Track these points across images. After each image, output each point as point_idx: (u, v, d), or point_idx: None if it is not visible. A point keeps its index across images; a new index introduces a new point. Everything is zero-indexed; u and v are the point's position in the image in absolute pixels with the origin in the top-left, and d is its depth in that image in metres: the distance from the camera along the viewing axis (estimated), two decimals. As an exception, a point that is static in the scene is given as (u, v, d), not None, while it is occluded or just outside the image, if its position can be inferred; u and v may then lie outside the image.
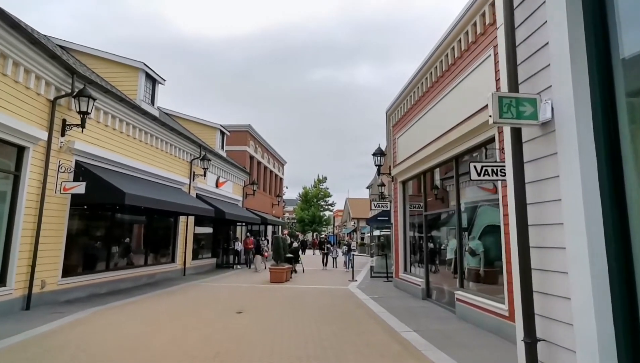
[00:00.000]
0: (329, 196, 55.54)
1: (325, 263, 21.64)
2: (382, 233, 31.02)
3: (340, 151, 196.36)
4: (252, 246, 20.53)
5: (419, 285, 10.48)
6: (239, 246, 21.25)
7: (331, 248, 22.86)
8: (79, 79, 9.65)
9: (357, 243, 45.65)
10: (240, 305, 9.50)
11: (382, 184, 21.72)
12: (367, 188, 64.79)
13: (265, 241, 26.09)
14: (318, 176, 57.02)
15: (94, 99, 9.63)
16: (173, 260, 15.51)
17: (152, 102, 13.63)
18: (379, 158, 13.17)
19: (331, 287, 13.25)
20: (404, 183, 12.56)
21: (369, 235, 51.06)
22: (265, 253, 20.39)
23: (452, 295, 9.13)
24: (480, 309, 7.10)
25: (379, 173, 13.38)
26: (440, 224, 10.50)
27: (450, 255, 9.47)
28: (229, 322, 7.48)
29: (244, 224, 23.74)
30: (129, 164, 11.78)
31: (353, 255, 17.84)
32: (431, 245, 10.88)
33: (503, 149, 6.10)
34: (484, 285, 7.79)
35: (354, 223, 66.26)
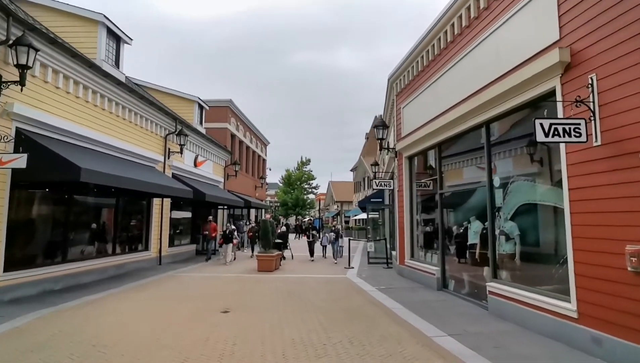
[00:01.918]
0: (313, 178, 53.87)
1: (312, 253, 17.18)
2: (370, 216, 29.50)
3: (322, 135, 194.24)
4: (215, 233, 16.23)
5: (433, 274, 9.12)
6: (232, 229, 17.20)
7: (317, 234, 18.69)
8: (17, 24, 7.65)
9: (341, 226, 44.42)
10: (225, 301, 7.93)
11: (376, 164, 20.33)
12: (351, 170, 63.60)
13: (251, 225, 23.79)
14: (302, 158, 54.97)
15: (36, 50, 7.65)
16: (146, 248, 13.72)
17: (117, 64, 11.58)
18: (381, 130, 11.60)
19: (328, 276, 11.80)
20: (410, 158, 11.08)
21: (354, 217, 50.18)
22: (235, 240, 16.01)
23: (477, 286, 7.83)
24: (528, 306, 5.74)
25: (380, 147, 11.86)
26: (458, 204, 9.11)
27: (473, 239, 8.11)
28: (214, 328, 5.90)
29: (225, 207, 21.96)
30: (87, 135, 9.84)
31: (350, 240, 15.87)
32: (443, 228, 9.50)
33: (576, 102, 4.64)
34: (524, 275, 6.45)
35: (337, 206, 65.18)
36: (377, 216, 25.96)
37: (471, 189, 8.68)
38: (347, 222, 52.41)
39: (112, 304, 7.66)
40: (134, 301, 7.94)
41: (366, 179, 48.86)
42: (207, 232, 16.24)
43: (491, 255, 6.98)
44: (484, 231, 7.66)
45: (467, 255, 8.33)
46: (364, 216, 40.51)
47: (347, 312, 6.96)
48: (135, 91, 11.95)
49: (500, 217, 6.92)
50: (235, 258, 15.68)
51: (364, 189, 50.00)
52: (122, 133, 11.62)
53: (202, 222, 17.91)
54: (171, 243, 15.69)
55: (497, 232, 7.01)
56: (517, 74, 5.93)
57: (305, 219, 43.32)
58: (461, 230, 8.73)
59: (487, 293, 6.85)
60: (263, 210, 32.50)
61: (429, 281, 9.29)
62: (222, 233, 15.88)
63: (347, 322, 6.24)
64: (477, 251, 7.81)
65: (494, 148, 7.23)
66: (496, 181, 7.01)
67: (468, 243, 8.25)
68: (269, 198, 58.16)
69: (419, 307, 7.25)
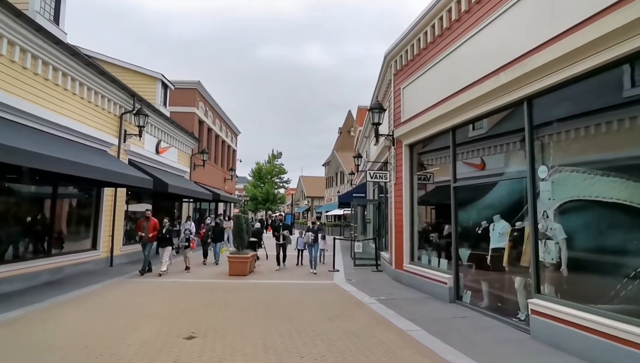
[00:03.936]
0: (284, 172, 51.77)
1: (282, 259, 12.68)
2: (345, 212, 27.69)
3: (292, 130, 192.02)
4: (154, 232, 11.14)
5: (445, 283, 7.67)
6: (192, 227, 14.40)
7: (290, 234, 13.50)
8: None
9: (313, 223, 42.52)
10: (191, 319, 6.13)
11: (359, 156, 18.91)
12: (323, 165, 62.21)
13: (207, 222, 18.22)
14: (273, 151, 52.70)
15: None
16: (94, 247, 11.54)
17: (56, 20, 9.36)
18: (377, 114, 10.04)
19: (313, 282, 10.14)
20: (412, 146, 9.59)
21: (326, 214, 48.66)
22: (192, 242, 12.31)
23: (503, 300, 6.52)
24: (604, 337, 4.33)
25: (376, 133, 10.30)
26: (472, 200, 7.69)
27: (497, 242, 6.72)
28: (174, 371, 4.12)
29: (191, 200, 19.82)
30: (10, 104, 7.65)
31: (335, 239, 13.54)
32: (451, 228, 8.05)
33: None
34: (583, 291, 5.07)
35: (308, 201, 63.60)
36: (351, 212, 24.38)
37: (492, 182, 7.31)
38: (318, 218, 50.84)
39: (37, 325, 5.66)
40: (68, 322, 5.96)
41: (339, 174, 47.53)
42: (143, 233, 11.05)
43: (533, 264, 5.57)
44: (515, 234, 6.30)
45: (489, 261, 6.93)
46: (338, 212, 39.12)
47: (353, 338, 5.34)
48: (81, 55, 9.73)
49: (547, 217, 5.52)
50: (163, 268, 10.81)
51: (337, 184, 48.66)
52: (62, 107, 9.41)
53: (165, 216, 12.48)
54: (126, 241, 13.51)
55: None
56: (589, 30, 4.50)
57: (274, 215, 38.78)
58: (479, 231, 7.34)
59: (530, 312, 5.45)
60: (232, 204, 30.32)
61: (438, 290, 7.84)
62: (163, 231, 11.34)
63: (359, 356, 4.62)
64: (506, 256, 6.42)
65: (538, 129, 5.82)
66: (542, 172, 5.60)
67: (491, 247, 6.86)
68: (237, 192, 55.58)
69: (441, 329, 5.76)
